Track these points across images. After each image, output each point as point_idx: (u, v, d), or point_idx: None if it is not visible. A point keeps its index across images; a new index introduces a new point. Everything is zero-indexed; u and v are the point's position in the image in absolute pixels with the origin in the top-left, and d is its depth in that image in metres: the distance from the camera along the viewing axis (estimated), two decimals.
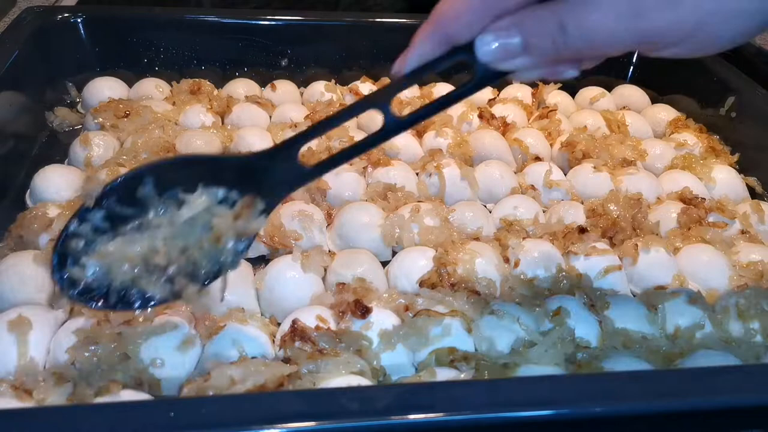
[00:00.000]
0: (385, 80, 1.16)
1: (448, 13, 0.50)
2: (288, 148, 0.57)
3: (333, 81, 1.15)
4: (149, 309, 0.57)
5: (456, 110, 1.09)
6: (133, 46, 1.13)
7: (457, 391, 0.55)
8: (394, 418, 0.51)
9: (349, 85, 1.16)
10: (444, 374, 0.64)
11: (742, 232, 0.90)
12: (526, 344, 0.68)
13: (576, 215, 0.88)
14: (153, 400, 0.60)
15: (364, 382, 0.62)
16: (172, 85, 1.11)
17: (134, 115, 0.99)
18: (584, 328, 0.71)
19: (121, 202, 0.54)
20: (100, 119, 1.00)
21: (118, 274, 0.54)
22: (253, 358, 0.65)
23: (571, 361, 0.68)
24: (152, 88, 1.09)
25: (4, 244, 0.79)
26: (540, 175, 0.96)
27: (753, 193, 1.00)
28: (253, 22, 1.14)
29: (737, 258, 0.83)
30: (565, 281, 0.78)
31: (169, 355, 0.65)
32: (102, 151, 0.93)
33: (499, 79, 0.51)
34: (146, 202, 0.54)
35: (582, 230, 0.83)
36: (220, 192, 0.55)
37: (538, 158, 1.01)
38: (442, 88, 1.16)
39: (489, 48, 0.49)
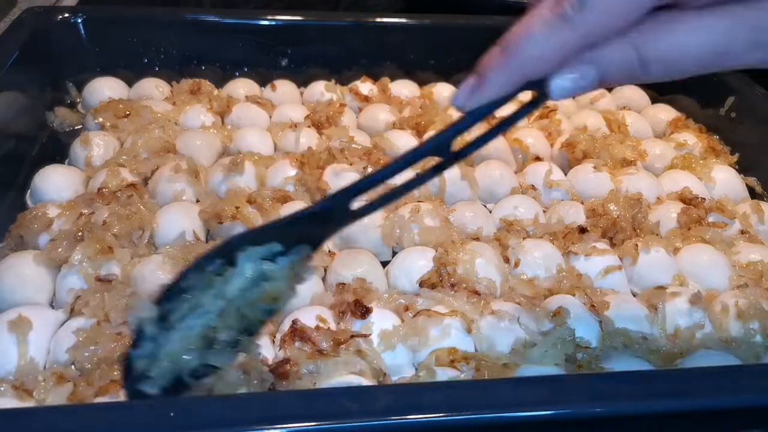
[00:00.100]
0: (386, 80, 1.16)
1: (529, 52, 0.46)
2: (342, 197, 0.55)
3: (333, 81, 1.15)
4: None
5: (456, 110, 1.09)
6: (133, 46, 1.13)
7: (457, 391, 0.55)
8: (394, 418, 0.51)
9: (349, 85, 1.16)
10: (444, 374, 0.64)
11: (742, 232, 0.89)
12: (526, 344, 0.68)
13: (576, 215, 0.88)
14: (153, 400, 0.60)
15: (364, 382, 0.62)
16: (172, 85, 1.11)
17: (134, 115, 0.99)
18: (584, 328, 0.71)
19: (168, 298, 0.52)
20: (100, 119, 1.00)
21: (183, 365, 0.52)
22: None
23: (571, 361, 0.68)
24: (152, 88, 1.09)
25: (4, 244, 0.79)
26: (540, 175, 0.95)
27: (753, 193, 1.00)
28: (253, 22, 1.14)
29: (737, 258, 0.83)
30: (565, 281, 0.78)
31: None
32: (102, 151, 0.93)
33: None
34: (189, 290, 0.52)
35: (582, 230, 0.83)
36: (260, 250, 0.53)
37: (538, 158, 1.01)
38: (442, 88, 1.17)
39: (564, 85, 0.47)
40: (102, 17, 1.13)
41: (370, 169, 0.94)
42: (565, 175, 0.98)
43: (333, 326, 0.69)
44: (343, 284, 0.74)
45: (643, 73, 0.46)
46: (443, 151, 0.52)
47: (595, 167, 0.97)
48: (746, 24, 0.44)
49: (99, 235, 0.75)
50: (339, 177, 0.90)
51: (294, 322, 0.68)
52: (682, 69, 0.46)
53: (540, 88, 0.48)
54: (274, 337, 0.70)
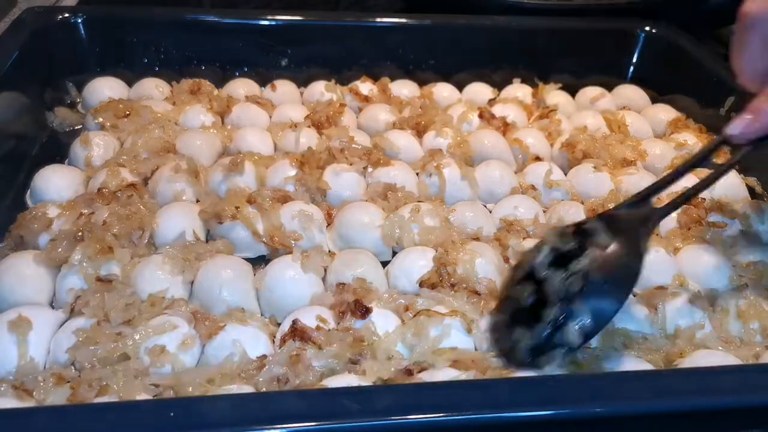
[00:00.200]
0: (386, 80, 1.16)
1: None
2: (645, 198, 0.71)
3: (333, 81, 1.15)
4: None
5: (456, 110, 1.09)
6: (133, 46, 1.13)
7: (457, 391, 0.55)
8: (394, 418, 0.51)
9: (349, 85, 1.16)
10: (444, 374, 0.64)
11: (742, 232, 0.89)
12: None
13: (576, 215, 0.88)
14: (153, 400, 0.60)
15: (364, 382, 0.62)
16: (172, 85, 1.11)
17: (134, 115, 0.99)
18: None
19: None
20: (100, 119, 1.00)
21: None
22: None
23: (571, 361, 0.68)
24: (152, 88, 1.09)
25: (4, 244, 0.79)
26: (540, 175, 0.96)
27: (753, 193, 1.00)
28: (253, 22, 1.14)
29: (737, 258, 0.83)
30: None
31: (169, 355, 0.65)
32: (102, 151, 0.93)
33: None
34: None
35: None
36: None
37: (538, 158, 1.01)
38: (442, 88, 1.17)
39: None
40: (102, 17, 1.13)
41: (370, 169, 0.94)
42: (565, 175, 0.98)
43: (333, 326, 0.69)
44: (343, 284, 0.74)
45: None
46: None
47: (595, 167, 0.97)
48: None
49: (99, 235, 0.75)
50: (339, 177, 0.90)
51: (294, 322, 0.68)
52: None
53: None
54: (274, 337, 0.70)
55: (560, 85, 1.21)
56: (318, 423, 0.50)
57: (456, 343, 0.68)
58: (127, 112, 1.00)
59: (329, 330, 0.68)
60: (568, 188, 0.95)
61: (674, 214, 0.88)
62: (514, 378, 0.63)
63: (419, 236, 0.82)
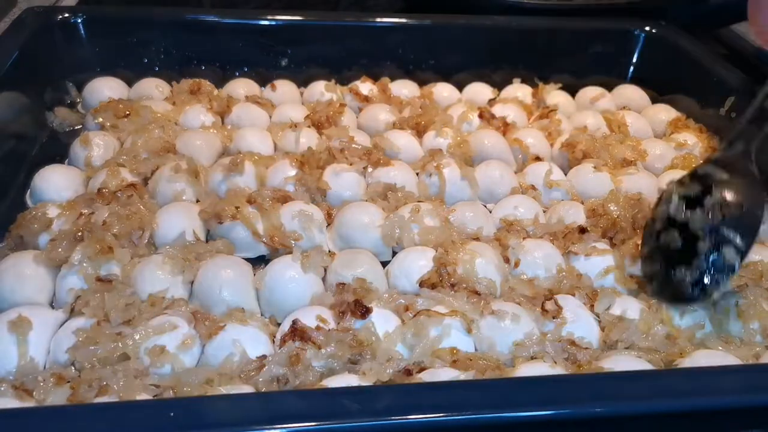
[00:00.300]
0: (386, 80, 1.16)
1: None
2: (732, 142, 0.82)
3: (333, 81, 1.15)
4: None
5: (456, 110, 1.09)
6: (133, 46, 1.13)
7: (457, 391, 0.55)
8: (394, 418, 0.51)
9: (349, 85, 1.16)
10: (444, 374, 0.64)
11: None
12: (526, 344, 0.69)
13: (576, 215, 0.88)
14: (153, 400, 0.60)
15: (364, 382, 0.62)
16: (172, 85, 1.11)
17: (134, 115, 0.99)
18: (584, 328, 0.71)
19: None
20: (100, 119, 1.00)
21: None
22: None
23: (571, 361, 0.68)
24: (152, 88, 1.09)
25: (4, 244, 0.79)
26: (540, 175, 0.96)
27: None
28: (253, 22, 1.14)
29: None
30: (565, 281, 0.78)
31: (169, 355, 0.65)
32: (102, 151, 0.93)
33: None
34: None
35: (582, 230, 0.83)
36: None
37: (538, 158, 1.01)
38: (442, 88, 1.17)
39: None
40: (102, 17, 1.13)
41: (370, 169, 0.94)
42: (565, 175, 0.98)
43: (333, 326, 0.69)
44: (343, 284, 0.74)
45: None
46: None
47: (595, 167, 0.97)
48: None
49: (99, 235, 0.75)
50: (339, 177, 0.90)
51: (294, 322, 0.68)
52: None
53: None
54: (275, 337, 0.70)
55: (560, 85, 1.21)
56: (318, 423, 0.50)
57: (456, 343, 0.68)
58: (127, 112, 1.00)
59: (329, 330, 0.68)
60: (568, 188, 0.95)
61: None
62: (514, 378, 0.63)
63: (419, 236, 0.82)
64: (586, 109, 1.16)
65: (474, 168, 0.96)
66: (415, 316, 0.70)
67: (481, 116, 1.08)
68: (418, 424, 0.51)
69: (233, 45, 1.15)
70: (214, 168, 0.92)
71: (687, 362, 0.68)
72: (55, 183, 0.86)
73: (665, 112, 1.16)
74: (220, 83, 1.14)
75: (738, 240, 0.73)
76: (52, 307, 0.72)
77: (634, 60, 1.26)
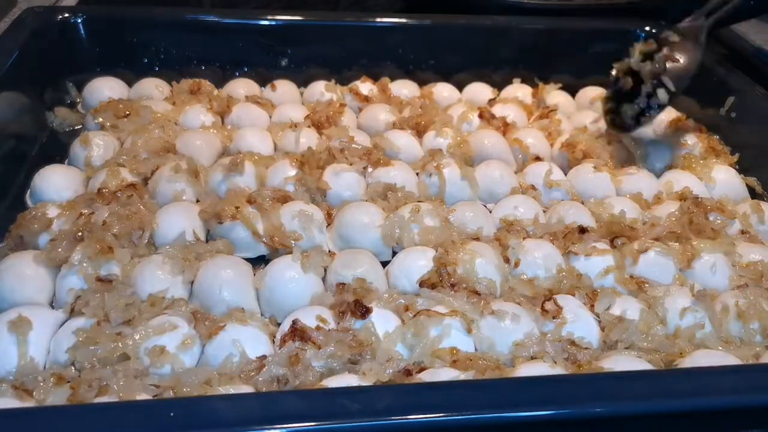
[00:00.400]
0: (386, 80, 1.16)
1: None
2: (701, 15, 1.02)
3: (333, 81, 1.15)
4: None
5: (456, 110, 1.09)
6: (133, 46, 1.13)
7: (457, 391, 0.55)
8: (394, 418, 0.51)
9: (349, 85, 1.16)
10: (444, 374, 0.64)
11: (742, 232, 0.90)
12: (526, 344, 0.69)
13: (576, 215, 0.88)
14: (153, 400, 0.60)
15: (364, 382, 0.62)
16: (172, 85, 1.11)
17: (134, 115, 0.99)
18: (584, 328, 0.71)
19: None
20: (100, 119, 1.00)
21: None
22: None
23: (571, 361, 0.68)
24: (152, 88, 1.09)
25: (4, 244, 0.79)
26: (540, 175, 0.96)
27: (753, 193, 1.00)
28: (253, 22, 1.14)
29: (737, 258, 0.83)
30: (565, 281, 0.78)
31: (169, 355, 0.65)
32: (102, 151, 0.93)
33: None
34: None
35: (582, 230, 0.83)
36: None
37: (538, 158, 1.01)
38: (442, 88, 1.17)
39: None
40: (102, 17, 1.13)
41: (370, 169, 0.93)
42: (565, 175, 0.98)
43: (333, 326, 0.69)
44: (343, 284, 0.74)
45: None
46: None
47: (595, 167, 0.97)
48: None
49: (99, 235, 0.75)
50: (339, 177, 0.90)
51: (294, 322, 0.68)
52: None
53: None
54: (275, 337, 0.70)
55: (560, 85, 1.21)
56: (318, 423, 0.50)
57: (456, 343, 0.68)
58: (127, 112, 1.00)
59: (329, 330, 0.68)
60: (568, 188, 0.95)
61: (674, 216, 0.88)
62: (514, 378, 0.63)
63: (419, 236, 0.82)
64: (586, 109, 1.16)
65: (474, 168, 0.96)
66: (415, 316, 0.70)
67: (481, 116, 1.08)
68: (418, 424, 0.51)
69: (233, 45, 1.15)
70: (214, 168, 0.92)
71: (687, 362, 0.68)
72: (55, 183, 0.86)
73: (665, 112, 1.15)
74: (220, 83, 1.14)
75: (670, 85, 0.96)
76: (52, 307, 0.72)
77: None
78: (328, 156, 0.93)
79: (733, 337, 0.73)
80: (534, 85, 1.20)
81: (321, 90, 1.13)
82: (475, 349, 0.70)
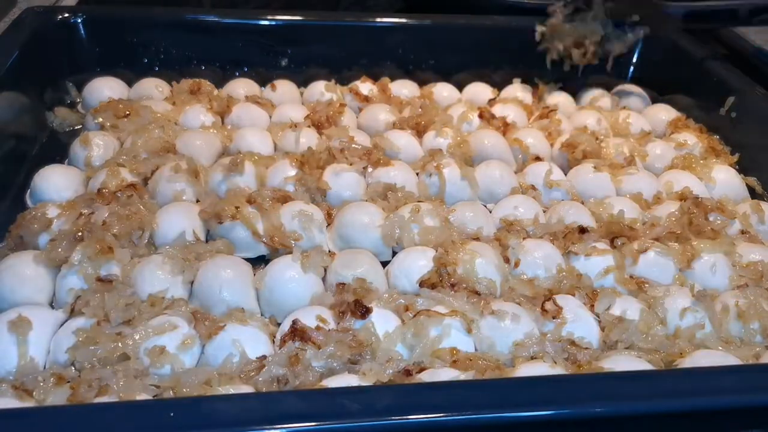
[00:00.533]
0: (386, 80, 1.16)
1: None
2: None
3: (333, 81, 1.15)
4: None
5: (456, 110, 1.09)
6: (133, 46, 1.13)
7: (457, 391, 0.55)
8: (394, 418, 0.51)
9: (349, 85, 1.16)
10: (444, 374, 0.64)
11: (742, 232, 0.89)
12: (526, 344, 0.69)
13: (576, 215, 0.88)
14: (153, 400, 0.60)
15: (364, 382, 0.62)
16: (172, 85, 1.11)
17: (134, 115, 0.99)
18: (584, 328, 0.71)
19: None
20: (100, 119, 1.00)
21: None
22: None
23: (571, 361, 0.68)
24: (152, 88, 1.09)
25: (4, 244, 0.79)
26: (540, 175, 0.96)
27: (753, 193, 1.00)
28: (253, 22, 1.15)
29: (737, 258, 0.83)
30: (565, 281, 0.78)
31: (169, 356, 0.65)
32: (102, 151, 0.93)
33: None
34: None
35: (582, 230, 0.83)
36: None
37: (538, 158, 1.01)
38: (442, 88, 1.17)
39: None
40: (102, 17, 1.13)
41: (370, 169, 0.94)
42: (565, 175, 0.98)
43: (333, 326, 0.69)
44: (343, 284, 0.74)
45: None
46: None
47: (595, 167, 0.97)
48: None
49: (99, 235, 0.75)
50: (339, 177, 0.90)
51: (294, 322, 0.68)
52: None
53: None
54: (275, 337, 0.70)
55: (560, 85, 1.21)
56: (318, 423, 0.50)
57: (456, 343, 0.68)
58: (127, 112, 1.00)
59: (329, 330, 0.68)
60: (568, 188, 0.95)
61: (674, 216, 0.88)
62: (514, 378, 0.63)
63: (419, 236, 0.82)
64: (586, 109, 1.16)
65: (474, 168, 0.96)
66: (415, 316, 0.70)
67: (481, 116, 1.08)
68: (418, 424, 0.51)
69: (233, 45, 1.15)
70: (214, 168, 0.92)
71: (687, 362, 0.68)
72: (55, 183, 0.86)
73: (665, 112, 1.16)
74: (220, 83, 1.14)
75: None
76: (52, 307, 0.72)
77: (634, 60, 1.26)
78: (328, 156, 0.93)
79: (733, 337, 0.73)
80: (534, 85, 1.20)
81: (321, 90, 1.13)
82: (475, 349, 0.70)
